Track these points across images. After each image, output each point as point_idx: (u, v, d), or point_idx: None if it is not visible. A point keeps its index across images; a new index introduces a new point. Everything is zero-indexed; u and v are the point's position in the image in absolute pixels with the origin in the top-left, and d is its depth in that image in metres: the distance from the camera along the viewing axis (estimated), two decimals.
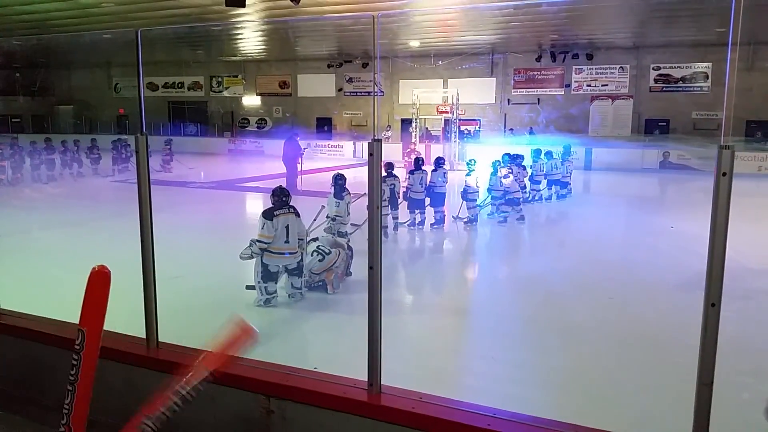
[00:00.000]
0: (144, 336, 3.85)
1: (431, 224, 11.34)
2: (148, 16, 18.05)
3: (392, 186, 10.78)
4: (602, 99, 25.89)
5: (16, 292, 4.80)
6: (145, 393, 3.84)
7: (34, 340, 4.21)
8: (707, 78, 24.09)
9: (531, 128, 25.97)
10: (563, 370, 5.04)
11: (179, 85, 33.41)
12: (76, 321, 4.33)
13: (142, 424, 1.98)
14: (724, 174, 2.46)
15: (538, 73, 26.73)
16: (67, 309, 4.75)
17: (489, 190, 12.42)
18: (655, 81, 25.06)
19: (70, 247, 9.55)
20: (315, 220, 8.96)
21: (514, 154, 13.83)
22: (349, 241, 9.26)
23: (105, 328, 4.03)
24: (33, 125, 32.75)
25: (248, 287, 6.86)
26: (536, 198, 14.66)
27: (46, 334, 4.17)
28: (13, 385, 4.24)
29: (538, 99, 26.75)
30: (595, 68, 25.78)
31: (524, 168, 14.10)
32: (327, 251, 7.38)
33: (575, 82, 26.17)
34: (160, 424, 1.97)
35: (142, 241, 3.76)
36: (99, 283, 2.31)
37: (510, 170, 12.52)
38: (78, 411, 2.11)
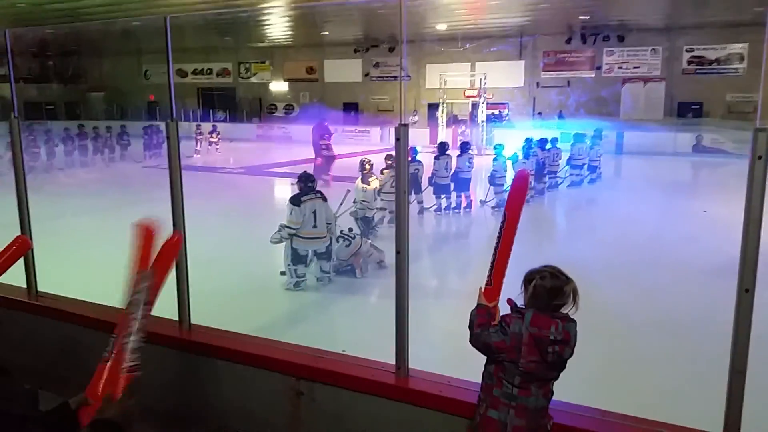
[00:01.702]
0: (177, 318, 3.93)
1: (454, 208, 11.30)
2: (176, 2, 18.21)
3: (416, 171, 10.76)
4: (634, 81, 25.40)
5: (53, 275, 4.92)
6: (179, 374, 3.94)
7: (70, 321, 4.33)
8: (743, 59, 23.45)
9: (561, 112, 25.62)
10: (593, 356, 4.98)
11: (208, 71, 33.69)
12: (111, 303, 4.43)
13: (124, 342, 2.00)
14: (760, 157, 2.40)
15: (568, 55, 26.31)
16: (102, 291, 4.86)
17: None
18: (689, 63, 24.49)
19: (104, 231, 9.72)
20: (341, 204, 9.00)
21: (541, 139, 13.73)
22: (375, 225, 9.31)
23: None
24: (66, 112, 33.36)
25: (282, 273, 6.96)
26: (576, 182, 14.55)
27: (81, 316, 4.28)
28: (50, 365, 4.36)
29: (568, 82, 26.35)
30: (627, 50, 25.28)
31: (560, 150, 13.99)
32: (352, 236, 7.43)
33: (606, 64, 25.71)
34: (141, 336, 2.00)
35: (174, 225, 3.82)
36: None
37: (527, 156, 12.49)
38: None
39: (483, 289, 2.78)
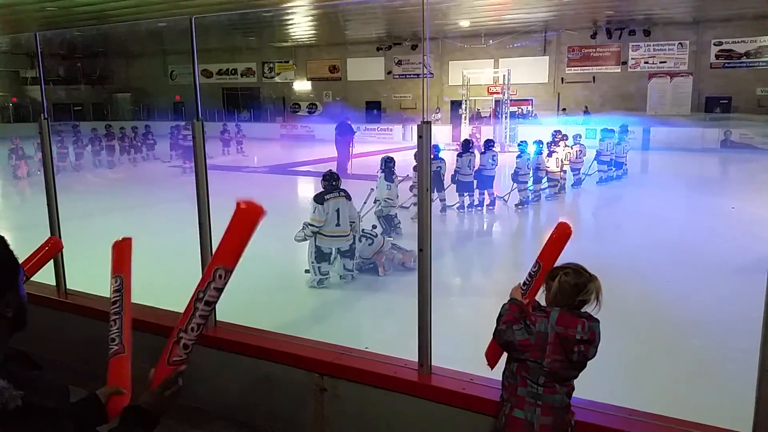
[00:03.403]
0: None
1: (477, 206, 11.24)
2: (201, 3, 18.39)
3: (438, 168, 10.70)
4: (660, 76, 25.01)
5: (82, 273, 5.01)
6: (204, 370, 3.99)
7: (98, 318, 4.40)
8: None
9: (586, 107, 25.33)
10: (617, 354, 4.94)
11: (233, 71, 33.97)
12: (138, 300, 4.48)
13: (178, 336, 2.00)
14: None
15: (593, 50, 26.00)
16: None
17: (534, 170, 12.20)
18: (717, 57, 24.02)
19: (132, 230, 9.87)
20: (365, 203, 9.02)
21: (555, 131, 13.70)
22: (399, 223, 9.31)
23: (167, 308, 4.19)
24: (93, 113, 33.90)
25: (307, 271, 7.01)
26: (604, 178, 14.38)
27: (109, 314, 4.35)
28: (78, 361, 4.45)
29: (594, 77, 26.04)
30: (653, 44, 24.89)
31: (584, 147, 13.84)
32: (374, 234, 7.44)
33: (632, 59, 25.35)
34: (196, 333, 1.99)
35: (199, 223, 3.87)
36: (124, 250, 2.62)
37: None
38: (126, 332, 2.30)
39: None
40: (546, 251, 2.79)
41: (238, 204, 2.00)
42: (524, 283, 2.77)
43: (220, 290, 1.99)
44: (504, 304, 2.73)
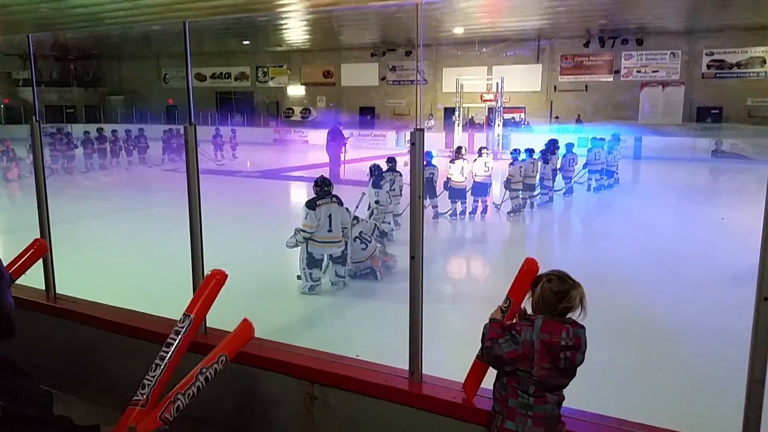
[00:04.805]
0: None
1: (470, 213, 11.23)
2: (195, 7, 18.32)
3: (430, 175, 10.70)
4: (652, 86, 25.16)
5: (71, 277, 4.97)
6: None
7: (87, 324, 4.37)
8: (765, 63, 23.15)
9: (578, 116, 25.44)
10: (608, 363, 4.96)
11: (226, 75, 33.91)
12: (129, 306, 4.46)
13: (175, 398, 2.24)
14: None
15: (586, 59, 26.13)
16: (119, 294, 4.90)
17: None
18: (708, 67, 24.20)
19: (122, 234, 9.85)
20: (357, 207, 9.01)
21: (552, 140, 13.74)
22: (392, 229, 9.30)
23: (158, 314, 4.17)
24: (86, 115, 33.75)
25: (299, 277, 6.98)
26: (593, 187, 14.41)
27: (99, 319, 4.32)
28: (66, 366, 4.41)
29: (586, 86, 26.16)
30: (645, 54, 25.05)
31: (575, 155, 13.86)
32: (369, 239, 7.42)
33: (624, 68, 25.49)
34: (189, 400, 2.27)
35: (191, 228, 3.84)
36: (215, 282, 2.75)
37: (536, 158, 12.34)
38: (159, 385, 2.38)
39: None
40: (515, 287, 2.81)
41: (245, 320, 2.68)
42: (503, 309, 2.79)
43: (217, 372, 2.46)
44: (485, 324, 2.73)
